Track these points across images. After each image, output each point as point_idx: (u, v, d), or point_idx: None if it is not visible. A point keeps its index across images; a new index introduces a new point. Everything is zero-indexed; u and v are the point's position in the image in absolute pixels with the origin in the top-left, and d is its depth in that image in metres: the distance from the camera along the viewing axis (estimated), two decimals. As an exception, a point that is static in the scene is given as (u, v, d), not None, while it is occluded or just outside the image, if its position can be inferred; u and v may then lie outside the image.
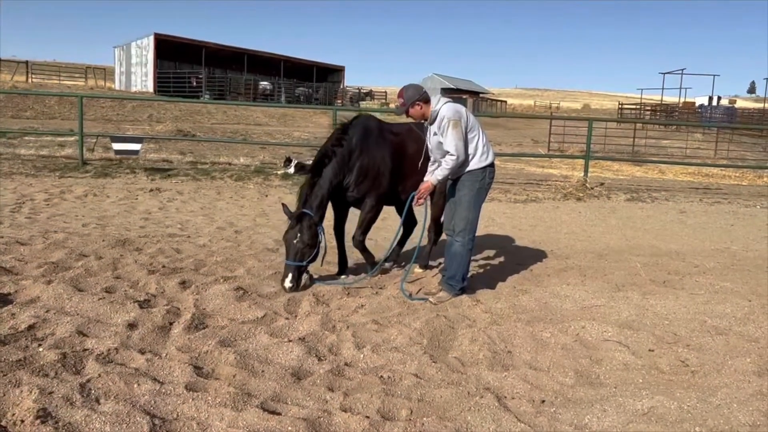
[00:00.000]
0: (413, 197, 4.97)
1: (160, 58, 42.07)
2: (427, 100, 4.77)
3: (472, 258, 6.27)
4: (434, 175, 4.78)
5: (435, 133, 4.78)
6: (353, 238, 5.31)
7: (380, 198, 5.27)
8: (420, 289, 5.13)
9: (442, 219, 5.51)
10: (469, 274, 5.50)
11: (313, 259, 4.92)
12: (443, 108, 4.71)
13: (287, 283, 4.75)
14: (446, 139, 4.64)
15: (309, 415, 2.87)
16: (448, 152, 4.64)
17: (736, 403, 3.12)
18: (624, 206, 11.12)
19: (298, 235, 4.81)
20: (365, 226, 5.29)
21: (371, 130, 5.22)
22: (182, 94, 39.26)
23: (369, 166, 5.10)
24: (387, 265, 5.65)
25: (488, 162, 4.83)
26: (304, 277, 4.92)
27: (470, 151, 4.77)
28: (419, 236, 5.33)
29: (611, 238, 8.03)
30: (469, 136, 4.76)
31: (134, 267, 5.15)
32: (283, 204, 5.11)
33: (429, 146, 4.96)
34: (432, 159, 5.00)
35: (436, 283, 5.12)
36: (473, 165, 4.79)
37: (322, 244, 5.00)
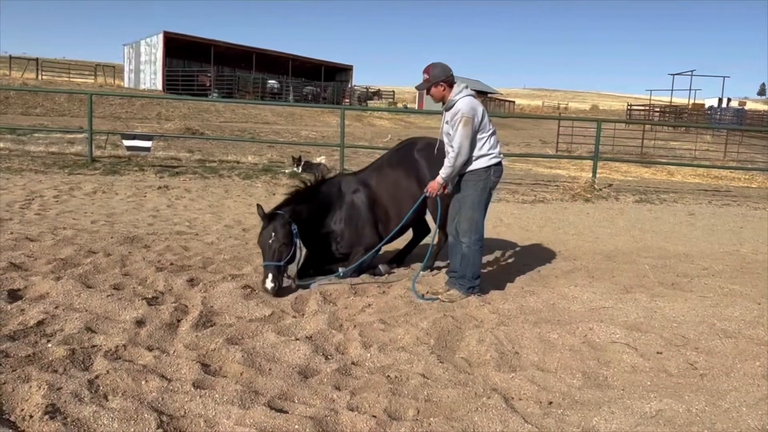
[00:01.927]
0: (420, 202, 5.04)
1: (169, 57, 42.24)
2: (451, 84, 4.72)
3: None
4: (440, 174, 4.75)
5: (447, 122, 4.74)
6: (341, 274, 5.25)
7: (370, 245, 5.32)
8: (428, 291, 5.12)
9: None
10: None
11: (292, 260, 4.82)
12: (461, 101, 4.65)
13: (268, 284, 4.58)
14: (454, 134, 4.61)
15: (316, 413, 2.87)
16: (452, 147, 4.62)
17: (745, 406, 3.10)
18: (632, 208, 11.07)
19: (273, 234, 4.72)
20: (356, 267, 5.25)
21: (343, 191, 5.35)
22: (191, 92, 39.39)
23: (347, 228, 5.27)
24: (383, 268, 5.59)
25: (494, 162, 4.78)
26: (286, 279, 4.81)
27: (476, 151, 4.73)
28: (432, 237, 5.32)
29: (619, 239, 8.00)
30: (479, 135, 4.71)
31: (142, 264, 5.18)
32: (258, 205, 5.00)
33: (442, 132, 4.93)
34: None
35: (443, 283, 5.11)
36: (478, 164, 4.75)
37: (300, 251, 4.91)
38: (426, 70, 4.72)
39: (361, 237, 5.31)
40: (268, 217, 4.82)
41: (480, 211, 4.80)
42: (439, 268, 5.77)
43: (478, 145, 4.72)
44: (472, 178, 4.77)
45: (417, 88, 4.92)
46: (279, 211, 4.86)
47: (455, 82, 4.74)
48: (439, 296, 4.82)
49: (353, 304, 4.59)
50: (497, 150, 4.82)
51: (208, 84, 40.79)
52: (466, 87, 4.76)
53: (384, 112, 40.84)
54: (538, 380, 3.40)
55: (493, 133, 4.81)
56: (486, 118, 4.75)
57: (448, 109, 4.74)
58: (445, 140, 4.84)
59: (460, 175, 4.83)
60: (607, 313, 4.64)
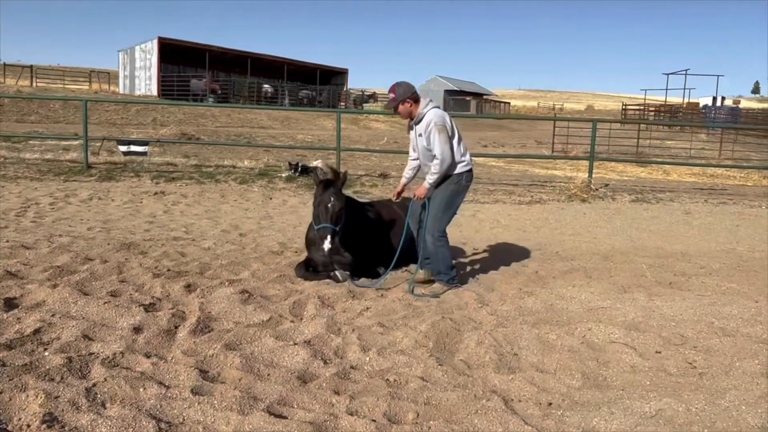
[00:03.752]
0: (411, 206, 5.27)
1: (164, 62, 42.16)
2: (417, 100, 4.95)
3: (477, 259, 6.29)
4: (426, 180, 4.98)
5: (420, 135, 4.98)
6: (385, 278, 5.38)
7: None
8: (423, 290, 5.13)
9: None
10: (476, 276, 5.66)
11: (341, 230, 5.03)
12: (430, 112, 4.93)
13: (327, 244, 4.82)
14: (433, 144, 4.87)
15: (315, 418, 2.86)
16: (435, 156, 4.87)
17: (744, 405, 3.10)
18: (629, 207, 11.08)
19: (332, 198, 4.95)
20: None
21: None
22: (186, 97, 39.34)
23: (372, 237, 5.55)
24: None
25: (466, 169, 5.06)
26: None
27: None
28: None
29: (616, 239, 8.00)
30: (452, 142, 4.93)
31: (139, 270, 5.16)
32: (314, 167, 5.24)
33: (414, 147, 5.18)
34: (419, 161, 5.22)
35: (420, 272, 5.30)
36: (453, 170, 5.00)
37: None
38: (391, 90, 5.00)
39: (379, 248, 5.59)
40: (325, 183, 5.04)
41: (447, 213, 5.07)
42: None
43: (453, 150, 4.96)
44: (446, 180, 5.02)
45: (385, 107, 5.17)
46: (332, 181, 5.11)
47: (420, 99, 4.98)
48: (423, 290, 5.03)
49: (351, 308, 4.58)
50: (468, 158, 5.08)
51: (219, 91, 40.84)
52: (431, 101, 5.05)
53: (380, 115, 40.85)
54: (537, 381, 3.40)
55: (461, 140, 5.03)
56: (454, 126, 5.01)
57: (417, 123, 4.98)
58: (422, 157, 5.09)
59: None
60: (606, 313, 4.64)
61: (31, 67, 42.33)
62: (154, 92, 40.88)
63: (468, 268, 5.94)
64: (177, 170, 12.69)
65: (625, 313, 4.62)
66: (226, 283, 4.91)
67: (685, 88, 48.12)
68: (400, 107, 4.94)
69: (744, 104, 74.52)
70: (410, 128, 5.13)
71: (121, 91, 43.52)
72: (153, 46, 41.28)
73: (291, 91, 45.78)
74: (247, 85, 43.37)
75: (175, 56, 43.52)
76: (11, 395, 2.88)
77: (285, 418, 2.87)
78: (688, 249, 7.39)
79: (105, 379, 3.09)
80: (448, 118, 4.98)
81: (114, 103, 28.60)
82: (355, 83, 64.91)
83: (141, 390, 3.04)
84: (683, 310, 4.71)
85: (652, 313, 4.65)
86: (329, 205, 4.94)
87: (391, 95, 4.95)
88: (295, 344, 3.76)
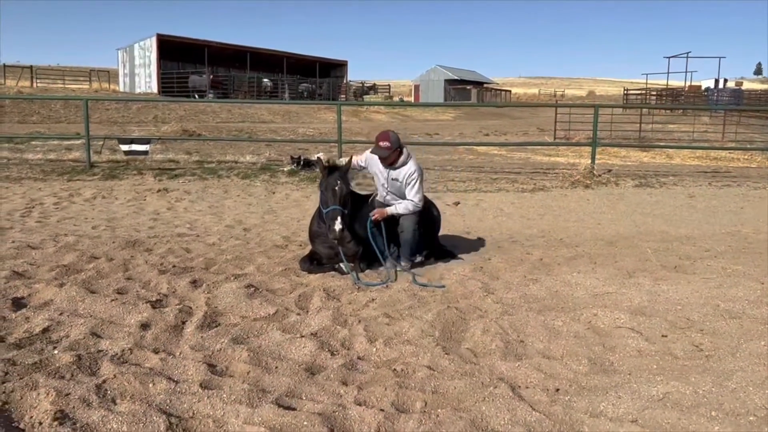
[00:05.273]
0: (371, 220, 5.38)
1: (164, 59, 42.16)
2: (401, 151, 5.35)
3: (481, 248, 6.30)
4: (393, 208, 5.38)
5: (396, 179, 5.39)
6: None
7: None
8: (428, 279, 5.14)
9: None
10: (481, 265, 5.70)
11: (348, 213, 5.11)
12: (411, 163, 5.36)
13: (338, 225, 4.88)
14: (413, 191, 5.33)
15: (324, 409, 2.88)
16: (413, 201, 5.33)
17: (751, 386, 3.11)
18: (632, 192, 11.06)
19: (338, 181, 5.03)
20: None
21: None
22: (186, 93, 39.32)
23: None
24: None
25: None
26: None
27: None
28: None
29: (620, 224, 8.00)
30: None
31: (145, 267, 5.18)
32: (318, 157, 5.54)
33: (383, 185, 5.51)
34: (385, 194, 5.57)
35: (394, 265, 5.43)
36: None
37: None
38: (385, 138, 5.26)
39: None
40: (330, 169, 5.15)
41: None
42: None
43: None
44: None
45: (380, 155, 5.34)
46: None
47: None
48: (404, 269, 5.30)
49: (357, 300, 4.60)
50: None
51: (220, 86, 40.95)
52: (407, 152, 5.40)
53: (381, 107, 40.78)
54: (544, 368, 3.41)
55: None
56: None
57: (395, 168, 5.35)
58: (396, 192, 5.42)
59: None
60: (611, 298, 4.65)
61: (30, 67, 42.34)
62: (155, 89, 40.90)
63: (472, 257, 5.95)
64: (179, 167, 12.71)
65: (630, 298, 4.62)
66: (232, 278, 4.93)
67: (686, 71, 47.89)
68: (393, 155, 5.27)
69: (746, 86, 74.02)
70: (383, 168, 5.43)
71: (122, 90, 43.54)
72: (152, 44, 41.26)
73: (291, 84, 45.75)
74: (247, 80, 43.32)
75: (174, 53, 43.49)
76: (22, 393, 2.90)
77: (294, 409, 2.88)
78: (693, 232, 7.38)
79: (114, 376, 3.11)
80: (421, 169, 5.46)
81: (115, 102, 28.62)
82: (354, 75, 64.76)
83: (150, 385, 3.06)
84: (689, 293, 4.71)
85: (658, 297, 4.65)
86: (336, 188, 5.01)
87: (386, 143, 5.21)
88: (302, 337, 3.78)
